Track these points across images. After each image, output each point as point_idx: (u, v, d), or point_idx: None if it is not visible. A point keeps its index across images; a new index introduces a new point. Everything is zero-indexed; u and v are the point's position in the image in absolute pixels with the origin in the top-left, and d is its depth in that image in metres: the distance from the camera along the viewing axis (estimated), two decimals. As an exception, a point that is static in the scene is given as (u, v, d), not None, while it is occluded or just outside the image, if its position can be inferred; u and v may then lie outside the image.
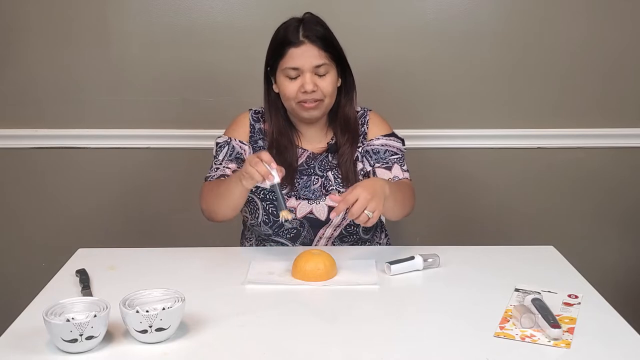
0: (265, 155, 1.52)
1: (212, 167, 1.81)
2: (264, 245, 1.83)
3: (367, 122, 1.85)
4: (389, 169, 1.79)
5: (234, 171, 1.77)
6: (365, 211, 1.46)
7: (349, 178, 1.78)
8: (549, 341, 1.24)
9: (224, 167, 1.78)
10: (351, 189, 1.50)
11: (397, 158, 1.81)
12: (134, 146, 2.42)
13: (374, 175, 1.78)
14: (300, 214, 1.76)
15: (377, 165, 1.79)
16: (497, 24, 2.34)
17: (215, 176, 1.77)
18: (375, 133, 1.84)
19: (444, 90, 2.39)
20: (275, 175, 1.51)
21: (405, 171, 1.80)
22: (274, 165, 1.51)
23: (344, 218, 1.77)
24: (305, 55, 1.69)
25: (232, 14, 2.32)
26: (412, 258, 1.57)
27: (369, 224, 1.50)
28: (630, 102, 2.41)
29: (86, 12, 2.31)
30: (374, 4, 2.32)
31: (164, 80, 2.37)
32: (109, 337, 1.24)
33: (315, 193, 1.78)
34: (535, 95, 2.40)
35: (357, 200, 1.47)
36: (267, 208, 1.77)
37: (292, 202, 1.77)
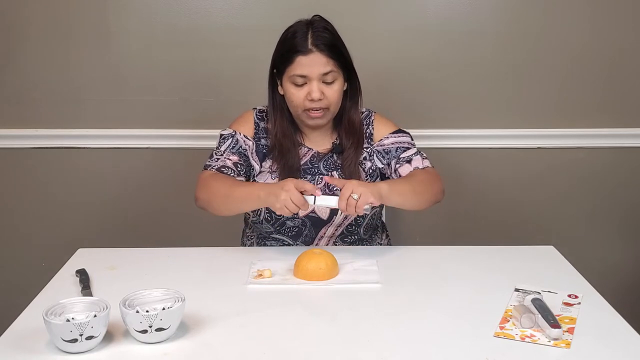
0: (307, 185, 1.56)
1: (212, 156, 1.78)
2: (265, 244, 1.83)
3: (372, 123, 1.84)
4: (410, 162, 1.79)
5: (234, 163, 1.75)
6: (352, 194, 1.52)
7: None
8: (549, 341, 1.24)
9: (225, 158, 1.76)
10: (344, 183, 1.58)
11: (413, 153, 1.80)
12: (134, 146, 2.42)
13: (394, 172, 1.79)
14: (302, 212, 1.76)
15: (397, 166, 1.79)
16: (497, 24, 2.34)
17: (215, 166, 1.75)
18: (382, 133, 1.83)
19: (443, 90, 2.39)
20: (310, 203, 1.56)
21: (425, 158, 1.80)
22: (316, 192, 1.56)
23: (345, 217, 1.77)
24: (313, 64, 1.67)
25: (232, 14, 2.32)
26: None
27: (359, 211, 1.54)
28: (630, 102, 2.41)
29: (86, 12, 2.31)
30: (373, 5, 2.31)
31: (164, 80, 2.36)
32: (109, 337, 1.24)
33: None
34: (535, 95, 2.40)
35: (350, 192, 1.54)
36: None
37: None
